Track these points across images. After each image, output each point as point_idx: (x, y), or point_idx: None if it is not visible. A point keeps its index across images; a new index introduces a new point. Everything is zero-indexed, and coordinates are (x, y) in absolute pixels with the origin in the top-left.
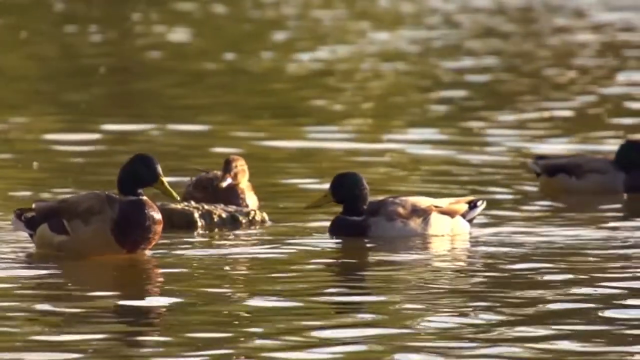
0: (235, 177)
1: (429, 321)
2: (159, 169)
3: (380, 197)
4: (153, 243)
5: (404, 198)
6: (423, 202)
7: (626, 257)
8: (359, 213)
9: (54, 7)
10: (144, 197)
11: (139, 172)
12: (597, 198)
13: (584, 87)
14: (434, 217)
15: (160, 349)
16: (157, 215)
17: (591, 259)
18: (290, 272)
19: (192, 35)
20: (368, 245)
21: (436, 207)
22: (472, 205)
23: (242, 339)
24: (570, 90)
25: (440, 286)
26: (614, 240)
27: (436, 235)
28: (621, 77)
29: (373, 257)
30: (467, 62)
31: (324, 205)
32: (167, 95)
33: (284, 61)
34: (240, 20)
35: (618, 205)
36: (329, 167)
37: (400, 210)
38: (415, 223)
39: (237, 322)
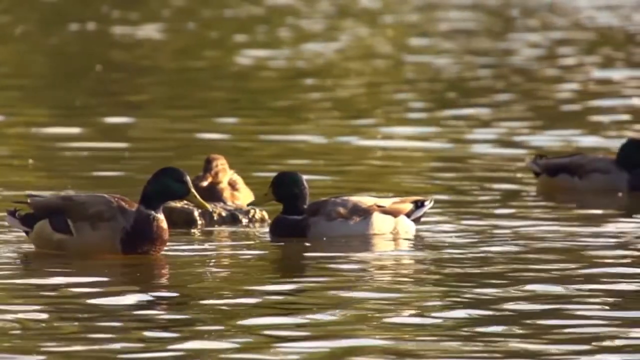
0: (216, 176)
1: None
2: (190, 182)
3: (323, 198)
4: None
5: (346, 198)
6: (365, 201)
7: (621, 256)
8: (299, 212)
9: (45, 4)
10: (161, 215)
11: (170, 187)
12: (598, 197)
13: (563, 84)
14: (376, 216)
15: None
16: (166, 229)
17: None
18: (272, 271)
19: (174, 32)
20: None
21: (379, 206)
22: (419, 205)
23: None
24: (550, 86)
25: (380, 285)
26: (611, 238)
27: (377, 235)
28: (598, 74)
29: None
30: (446, 59)
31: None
32: (158, 92)
33: (263, 58)
34: (219, 18)
35: (620, 204)
36: (316, 163)
37: (341, 210)
38: (355, 223)
39: (223, 318)
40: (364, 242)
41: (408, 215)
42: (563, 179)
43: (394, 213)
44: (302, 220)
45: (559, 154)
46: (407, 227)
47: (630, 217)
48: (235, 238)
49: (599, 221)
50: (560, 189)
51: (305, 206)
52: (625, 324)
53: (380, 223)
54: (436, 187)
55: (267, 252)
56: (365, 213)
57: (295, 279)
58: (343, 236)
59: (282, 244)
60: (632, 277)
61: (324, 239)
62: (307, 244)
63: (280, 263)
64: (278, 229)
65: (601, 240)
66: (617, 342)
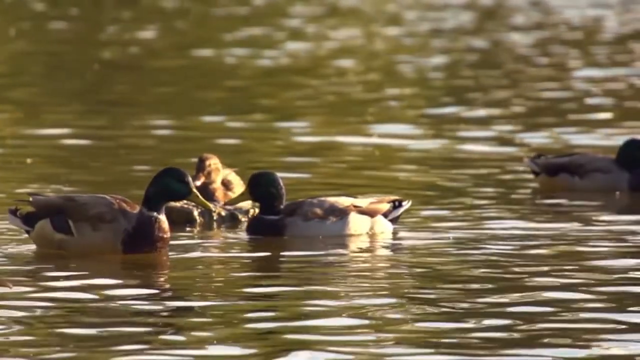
0: (208, 175)
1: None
2: (192, 182)
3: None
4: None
5: (323, 198)
6: (342, 202)
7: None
8: (276, 212)
9: (36, 6)
10: (163, 216)
11: (172, 187)
12: (598, 197)
13: (551, 83)
14: (352, 216)
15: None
16: (168, 231)
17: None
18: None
19: (161, 31)
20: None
21: (356, 206)
22: (397, 205)
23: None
24: (537, 85)
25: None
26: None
27: (354, 235)
28: (583, 73)
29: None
30: (434, 58)
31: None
32: (152, 91)
33: (251, 57)
34: (206, 17)
35: (620, 204)
36: (301, 161)
37: (317, 210)
38: (332, 223)
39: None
40: (341, 242)
41: (385, 215)
42: (563, 179)
43: (371, 213)
44: (279, 220)
45: (555, 152)
46: (384, 227)
47: (631, 217)
48: (235, 237)
49: (599, 221)
50: (560, 189)
51: (282, 206)
52: (626, 325)
53: (356, 223)
54: (432, 186)
55: (266, 251)
56: (341, 213)
57: (290, 279)
58: (319, 236)
59: (282, 244)
60: (633, 278)
61: (300, 239)
62: (301, 245)
63: (276, 262)
64: (255, 228)
65: (601, 241)
66: (617, 343)
